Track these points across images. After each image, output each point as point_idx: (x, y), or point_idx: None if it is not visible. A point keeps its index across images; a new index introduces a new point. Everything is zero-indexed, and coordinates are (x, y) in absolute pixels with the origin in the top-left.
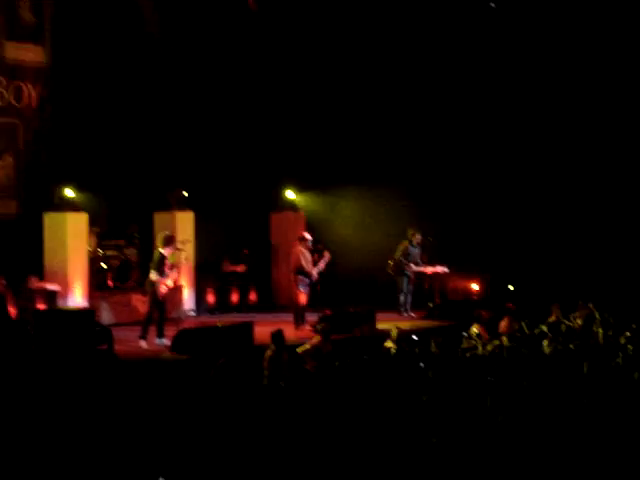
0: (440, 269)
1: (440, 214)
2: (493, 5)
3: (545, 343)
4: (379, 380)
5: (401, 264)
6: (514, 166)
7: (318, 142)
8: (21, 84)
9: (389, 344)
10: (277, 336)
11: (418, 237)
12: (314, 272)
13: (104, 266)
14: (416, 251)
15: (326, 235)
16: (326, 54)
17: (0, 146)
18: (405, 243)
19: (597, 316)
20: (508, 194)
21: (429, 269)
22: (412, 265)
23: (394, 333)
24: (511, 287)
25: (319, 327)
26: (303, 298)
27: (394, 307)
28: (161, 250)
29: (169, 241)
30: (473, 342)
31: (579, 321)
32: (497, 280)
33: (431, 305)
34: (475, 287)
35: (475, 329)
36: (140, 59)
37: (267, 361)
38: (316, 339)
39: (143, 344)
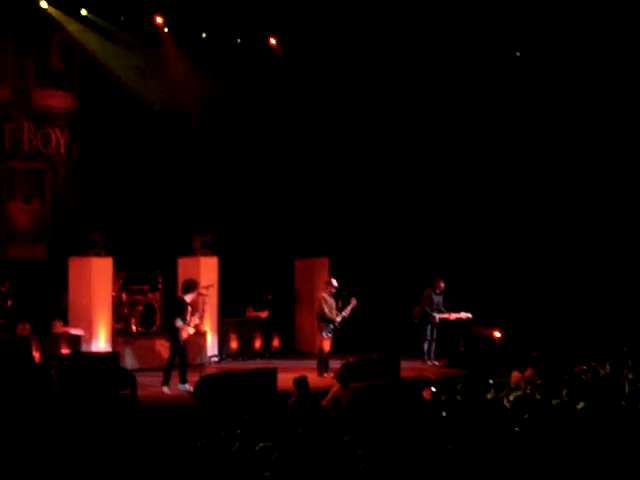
0: (464, 315)
1: (462, 261)
2: None
3: (564, 392)
4: (402, 429)
5: (426, 312)
6: (534, 213)
7: (342, 189)
8: (49, 130)
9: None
10: (300, 382)
11: (442, 284)
12: (337, 319)
13: (127, 311)
14: (439, 298)
15: (353, 281)
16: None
17: (28, 191)
18: (429, 291)
19: (629, 362)
20: (530, 241)
21: (453, 315)
22: (435, 313)
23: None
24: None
25: (339, 375)
26: (327, 345)
27: (419, 355)
28: (183, 296)
29: (190, 287)
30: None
31: (607, 367)
32: (520, 328)
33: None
34: (497, 335)
35: (517, 376)
36: (165, 102)
37: (290, 408)
38: (336, 387)
39: (166, 390)
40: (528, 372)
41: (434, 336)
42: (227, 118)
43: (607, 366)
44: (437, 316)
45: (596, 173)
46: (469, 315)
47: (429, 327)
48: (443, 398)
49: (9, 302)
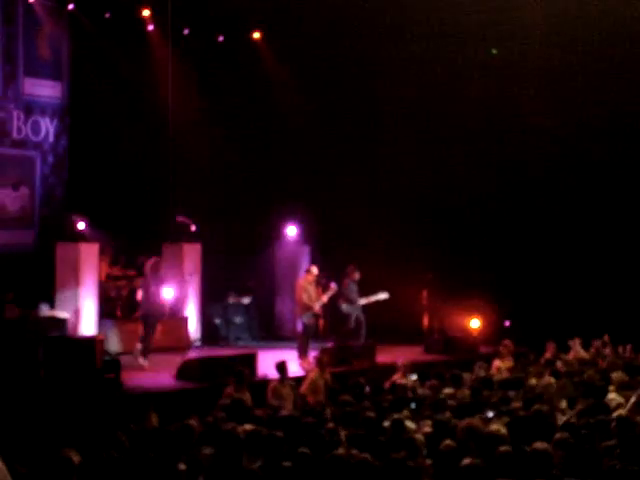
0: (382, 297)
1: (446, 248)
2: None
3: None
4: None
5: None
6: (512, 195)
7: (327, 175)
8: (38, 118)
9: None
10: (281, 367)
11: (357, 275)
12: (316, 306)
13: (113, 296)
14: (355, 287)
15: (334, 267)
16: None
17: (17, 178)
18: (347, 281)
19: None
20: (506, 231)
21: (372, 299)
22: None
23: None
24: (507, 323)
25: (317, 360)
26: (306, 330)
27: (399, 341)
28: None
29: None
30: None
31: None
32: (498, 315)
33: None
34: (475, 323)
35: (498, 363)
36: (152, 90)
37: (271, 392)
38: (314, 373)
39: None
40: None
41: (361, 320)
42: (214, 103)
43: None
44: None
45: (594, 167)
46: (385, 296)
47: (353, 315)
48: (410, 383)
49: None
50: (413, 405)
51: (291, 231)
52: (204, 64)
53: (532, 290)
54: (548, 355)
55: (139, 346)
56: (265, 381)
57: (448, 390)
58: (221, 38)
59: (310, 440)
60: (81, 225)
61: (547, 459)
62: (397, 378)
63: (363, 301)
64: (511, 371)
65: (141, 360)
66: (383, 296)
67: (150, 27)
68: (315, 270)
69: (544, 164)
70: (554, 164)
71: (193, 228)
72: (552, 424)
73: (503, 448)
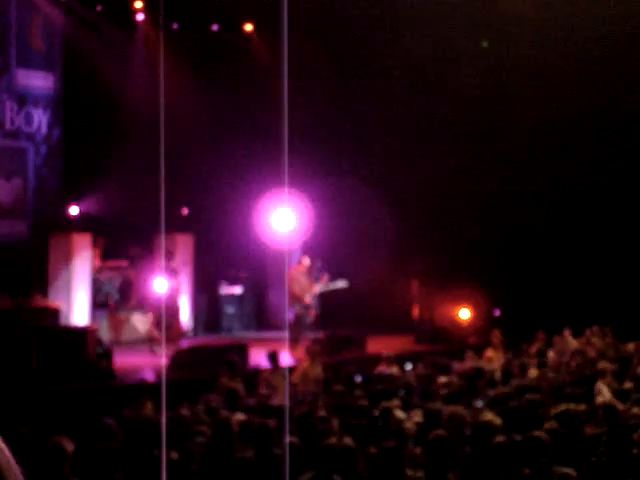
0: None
1: (431, 241)
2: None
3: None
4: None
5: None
6: (502, 184)
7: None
8: (31, 110)
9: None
10: (273, 356)
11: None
12: (306, 298)
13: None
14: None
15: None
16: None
17: (10, 169)
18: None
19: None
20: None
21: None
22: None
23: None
24: (497, 312)
25: (309, 350)
26: (298, 321)
27: (390, 331)
28: None
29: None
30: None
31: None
32: (488, 306)
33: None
34: (465, 313)
35: (490, 353)
36: (144, 80)
37: (264, 382)
38: (306, 363)
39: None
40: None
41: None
42: (207, 92)
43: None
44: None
45: (583, 160)
46: (344, 284)
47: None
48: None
49: None
50: (402, 393)
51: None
52: (197, 55)
53: (522, 280)
54: (538, 345)
55: (156, 334)
56: (257, 371)
57: (442, 379)
58: (215, 29)
59: (302, 429)
60: (74, 210)
61: (542, 446)
62: (382, 369)
63: (321, 288)
64: (503, 361)
65: (158, 349)
66: (341, 284)
67: (141, 16)
68: (307, 261)
69: (535, 155)
70: (544, 155)
71: (185, 212)
72: (543, 414)
73: (498, 438)
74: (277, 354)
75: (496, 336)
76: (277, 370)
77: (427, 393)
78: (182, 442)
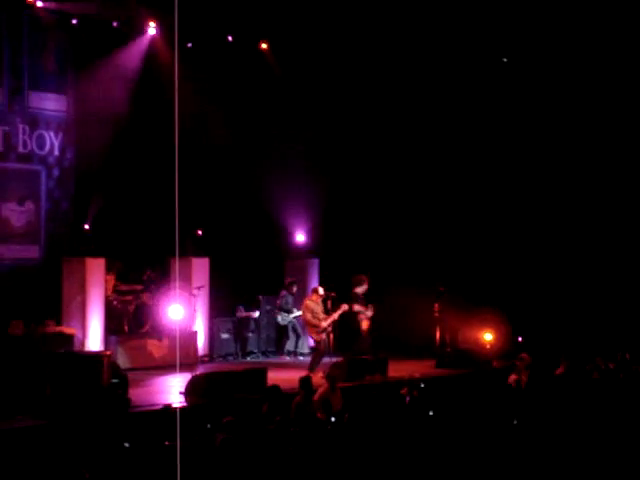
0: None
1: (453, 263)
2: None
3: None
4: (390, 428)
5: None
6: (527, 213)
7: (337, 186)
8: (43, 132)
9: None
10: (305, 382)
11: (294, 288)
12: (323, 324)
13: (119, 311)
14: (292, 299)
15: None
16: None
17: (23, 192)
18: (284, 292)
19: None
20: (528, 239)
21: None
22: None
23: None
24: (520, 339)
25: (327, 374)
26: (318, 347)
27: (409, 355)
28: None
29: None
30: None
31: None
32: (510, 328)
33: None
34: (488, 337)
35: (514, 377)
36: (156, 103)
37: (295, 407)
38: (323, 387)
39: None
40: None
41: (298, 332)
42: (218, 117)
43: None
44: (291, 316)
45: (594, 169)
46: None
47: (289, 326)
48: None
49: None
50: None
51: (300, 240)
52: (212, 73)
53: (544, 303)
54: (561, 370)
55: None
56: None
57: None
58: (229, 46)
59: None
60: (87, 234)
61: None
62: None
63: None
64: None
65: None
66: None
67: (153, 32)
68: (321, 290)
69: (560, 177)
70: (570, 178)
71: (199, 232)
72: None
73: None
74: (310, 379)
75: (522, 359)
76: (310, 395)
77: None
78: None
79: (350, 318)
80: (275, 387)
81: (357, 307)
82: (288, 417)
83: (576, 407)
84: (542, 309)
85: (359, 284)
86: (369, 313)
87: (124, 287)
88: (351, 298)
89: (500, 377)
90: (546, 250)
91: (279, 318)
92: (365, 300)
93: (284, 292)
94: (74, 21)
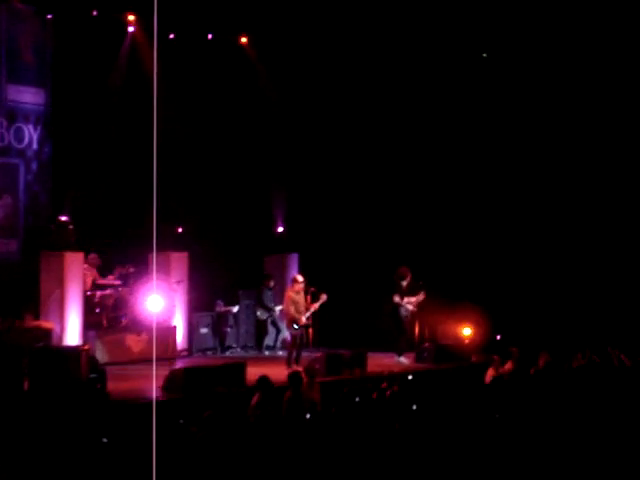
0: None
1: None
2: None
3: None
4: (369, 423)
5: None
6: (505, 210)
7: (313, 182)
8: (22, 125)
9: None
10: (294, 378)
11: (271, 282)
12: (302, 318)
13: (98, 304)
14: (271, 294)
15: (322, 276)
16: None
17: (0, 186)
18: (263, 288)
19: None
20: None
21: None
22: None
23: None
24: (498, 337)
25: (306, 369)
26: (295, 341)
27: (389, 349)
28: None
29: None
30: None
31: None
32: (489, 324)
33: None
34: (467, 332)
35: (492, 372)
36: (136, 97)
37: (286, 403)
38: (303, 382)
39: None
40: (508, 366)
41: (278, 327)
42: (197, 112)
43: None
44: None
45: (586, 167)
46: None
47: (269, 320)
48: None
49: None
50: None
51: (279, 235)
52: (191, 69)
53: (523, 298)
54: (540, 365)
55: None
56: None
57: None
58: (209, 41)
59: None
60: (66, 227)
61: None
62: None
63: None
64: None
65: None
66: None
67: (132, 29)
68: (300, 278)
69: (542, 172)
70: (551, 172)
71: (179, 230)
72: None
73: None
74: (299, 374)
75: (512, 352)
76: (299, 390)
77: None
78: None
79: (391, 311)
80: (264, 378)
81: (397, 299)
82: (279, 410)
83: (556, 401)
84: (521, 304)
85: (402, 278)
86: (409, 307)
87: (103, 281)
88: (394, 290)
89: (479, 372)
90: (524, 245)
91: (259, 313)
92: (409, 291)
93: (262, 287)
94: (52, 13)
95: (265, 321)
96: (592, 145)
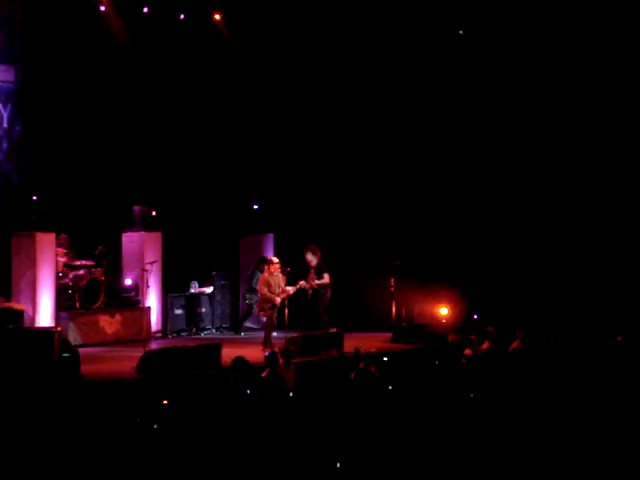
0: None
1: (409, 238)
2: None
3: None
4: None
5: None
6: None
7: (288, 163)
8: None
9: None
10: (271, 358)
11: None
12: (277, 299)
13: (71, 286)
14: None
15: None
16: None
17: None
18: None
19: None
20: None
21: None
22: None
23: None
24: (475, 316)
25: (282, 350)
26: (270, 322)
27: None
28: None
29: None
30: None
31: None
32: (466, 303)
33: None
34: (444, 312)
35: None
36: (109, 76)
37: (265, 383)
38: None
39: None
40: (485, 345)
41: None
42: (172, 89)
43: None
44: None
45: (585, 164)
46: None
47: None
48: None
49: None
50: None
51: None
52: (163, 44)
53: (500, 278)
54: (516, 344)
55: None
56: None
57: None
58: (181, 17)
59: None
60: (37, 207)
61: None
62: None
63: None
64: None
65: None
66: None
67: (103, 7)
68: (275, 259)
69: (517, 154)
70: (527, 154)
71: (153, 214)
72: None
73: None
74: (276, 354)
75: (489, 332)
76: (276, 370)
77: None
78: None
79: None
80: (240, 358)
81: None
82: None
83: (532, 380)
84: (497, 284)
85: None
86: (313, 283)
87: (76, 262)
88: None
89: (456, 352)
90: (500, 225)
91: (247, 296)
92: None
93: (255, 270)
94: None
95: (251, 305)
96: (580, 135)
